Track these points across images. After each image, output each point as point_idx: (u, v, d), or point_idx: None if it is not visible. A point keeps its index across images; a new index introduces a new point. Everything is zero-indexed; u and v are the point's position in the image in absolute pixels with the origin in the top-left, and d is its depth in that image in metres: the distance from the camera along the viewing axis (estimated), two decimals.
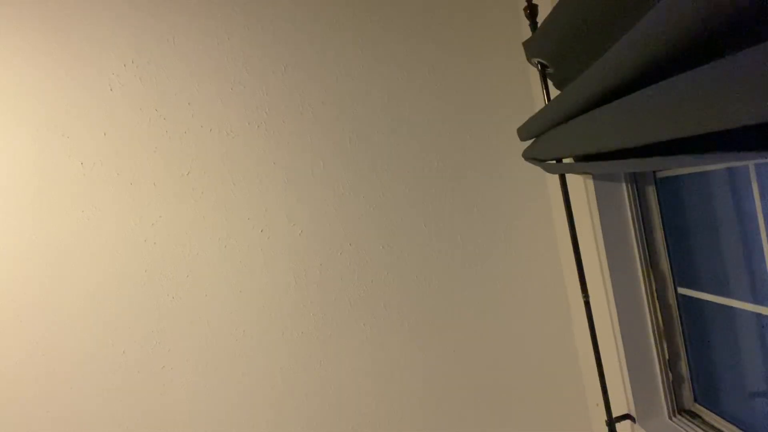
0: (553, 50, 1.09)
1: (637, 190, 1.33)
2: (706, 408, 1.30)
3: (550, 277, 1.57)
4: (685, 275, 1.30)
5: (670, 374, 1.34)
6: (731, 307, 1.15)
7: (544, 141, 1.10)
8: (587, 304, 1.31)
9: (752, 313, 1.10)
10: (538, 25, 1.21)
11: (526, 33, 1.52)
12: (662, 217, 1.33)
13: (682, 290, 1.32)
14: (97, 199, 1.33)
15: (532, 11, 1.23)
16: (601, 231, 1.32)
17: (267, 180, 1.41)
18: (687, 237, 1.27)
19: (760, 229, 1.02)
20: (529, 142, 1.50)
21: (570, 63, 1.07)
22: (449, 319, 1.51)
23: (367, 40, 1.47)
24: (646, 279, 1.33)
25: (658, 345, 1.34)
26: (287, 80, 1.43)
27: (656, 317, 1.34)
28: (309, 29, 1.44)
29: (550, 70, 1.20)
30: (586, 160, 1.07)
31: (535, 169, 1.56)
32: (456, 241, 1.52)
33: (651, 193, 1.33)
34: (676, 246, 1.32)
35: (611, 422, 1.31)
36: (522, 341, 1.55)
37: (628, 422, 1.38)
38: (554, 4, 1.22)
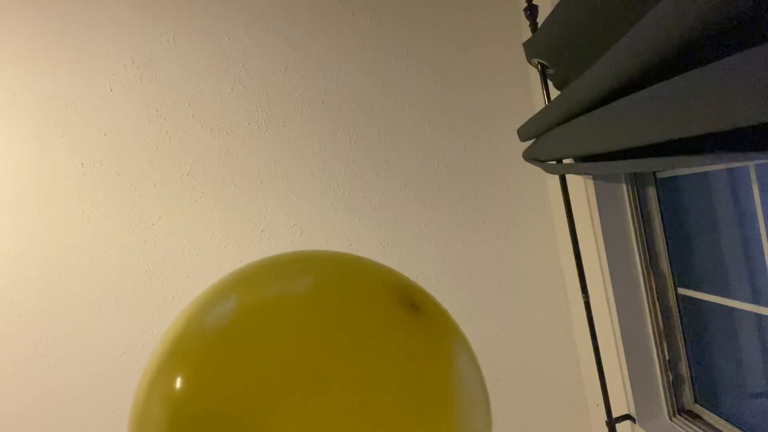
0: (554, 51, 1.09)
1: (637, 190, 1.33)
2: (707, 408, 1.30)
3: (550, 277, 1.57)
4: (685, 276, 1.30)
5: (671, 375, 1.34)
6: (731, 307, 1.15)
7: (545, 141, 1.10)
8: (587, 304, 1.31)
9: (752, 313, 1.10)
10: (539, 25, 1.21)
11: (526, 33, 1.52)
12: (662, 217, 1.33)
13: (682, 291, 1.32)
14: (97, 199, 1.33)
15: (532, 12, 1.23)
16: (601, 231, 1.32)
17: (267, 180, 1.41)
18: (687, 237, 1.27)
19: (760, 229, 1.02)
20: (529, 143, 1.50)
21: (570, 63, 1.08)
22: None
23: (367, 40, 1.47)
24: (646, 279, 1.33)
25: (659, 345, 1.33)
26: (287, 80, 1.43)
27: (656, 317, 1.34)
28: (309, 29, 1.44)
29: (550, 71, 1.20)
30: (586, 160, 1.07)
31: (535, 170, 1.56)
32: (456, 241, 1.52)
33: (651, 193, 1.33)
34: (676, 246, 1.32)
35: (611, 423, 1.31)
36: (522, 341, 1.55)
37: (628, 423, 1.38)
38: (554, 5, 1.22)
